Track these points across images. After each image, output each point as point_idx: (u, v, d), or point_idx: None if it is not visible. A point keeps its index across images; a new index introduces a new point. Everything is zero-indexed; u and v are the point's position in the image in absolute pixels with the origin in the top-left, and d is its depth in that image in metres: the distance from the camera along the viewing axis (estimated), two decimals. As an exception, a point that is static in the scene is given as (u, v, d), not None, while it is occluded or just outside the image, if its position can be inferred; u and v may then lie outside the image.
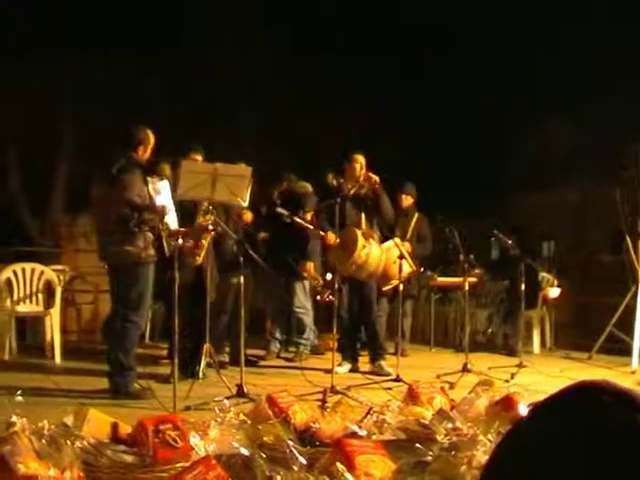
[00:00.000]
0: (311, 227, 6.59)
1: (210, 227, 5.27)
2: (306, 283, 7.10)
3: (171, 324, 4.79)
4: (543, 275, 8.43)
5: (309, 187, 7.10)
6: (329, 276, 7.35)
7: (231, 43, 10.94)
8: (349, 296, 6.34)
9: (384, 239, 6.37)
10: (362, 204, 6.21)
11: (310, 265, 6.89)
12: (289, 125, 11.11)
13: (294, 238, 6.69)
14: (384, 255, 6.08)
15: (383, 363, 6.27)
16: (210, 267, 5.59)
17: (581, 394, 0.74)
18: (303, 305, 7.13)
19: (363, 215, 6.22)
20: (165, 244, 5.05)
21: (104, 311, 7.52)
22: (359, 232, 6.00)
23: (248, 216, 6.53)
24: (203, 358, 5.16)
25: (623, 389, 0.74)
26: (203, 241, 5.39)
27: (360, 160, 6.29)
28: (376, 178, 6.15)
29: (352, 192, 6.26)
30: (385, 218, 6.35)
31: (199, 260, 5.41)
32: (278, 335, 7.22)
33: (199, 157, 5.73)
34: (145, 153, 5.15)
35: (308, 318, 7.18)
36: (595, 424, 0.71)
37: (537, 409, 0.76)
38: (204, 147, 5.93)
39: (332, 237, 6.10)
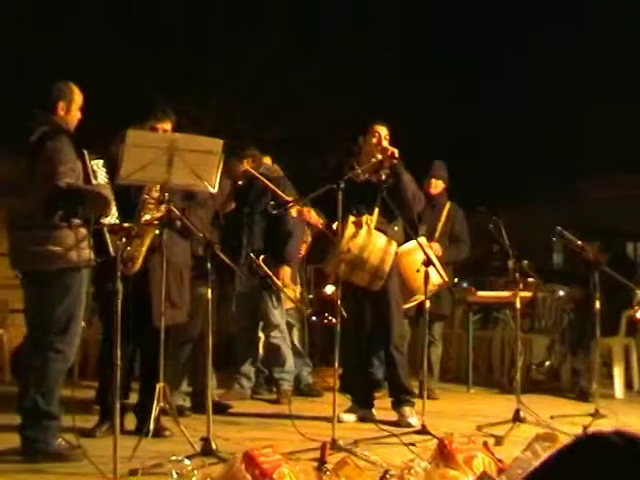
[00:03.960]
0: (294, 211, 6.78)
1: (156, 222, 5.33)
2: (282, 294, 7.19)
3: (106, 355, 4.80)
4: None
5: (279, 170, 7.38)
6: (329, 289, 7.36)
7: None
8: (358, 315, 6.37)
9: (406, 239, 6.44)
10: (379, 192, 6.26)
11: (286, 271, 6.97)
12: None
13: (264, 233, 6.90)
14: (392, 247, 6.13)
15: (407, 409, 6.32)
16: (160, 277, 5.48)
17: (592, 445, 0.88)
18: (279, 326, 7.24)
19: (377, 208, 6.26)
20: (109, 243, 5.06)
21: (16, 339, 7.55)
22: (350, 219, 6.09)
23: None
24: (155, 403, 5.12)
25: (634, 437, 0.85)
26: (140, 240, 5.42)
27: (382, 133, 6.38)
28: (393, 150, 6.23)
29: (367, 176, 6.34)
30: (409, 206, 6.34)
31: (136, 267, 5.43)
32: (247, 368, 7.33)
33: (167, 126, 5.71)
34: (69, 114, 5.16)
35: (286, 344, 7.29)
36: (607, 474, 0.82)
37: (547, 462, 0.91)
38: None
39: (307, 211, 6.30)
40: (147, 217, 5.39)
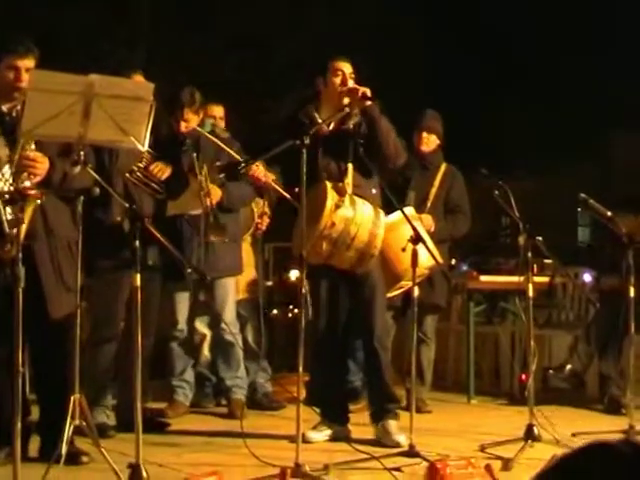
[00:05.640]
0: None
1: (33, 191, 5.11)
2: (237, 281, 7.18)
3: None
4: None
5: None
6: (294, 274, 7.23)
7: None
8: (330, 307, 6.34)
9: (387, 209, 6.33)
10: (349, 145, 6.19)
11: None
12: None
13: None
14: (381, 218, 6.08)
15: (392, 424, 6.23)
16: (48, 256, 5.48)
17: (597, 455, 1.15)
18: (233, 320, 7.13)
19: (350, 165, 6.19)
20: (3, 215, 5.05)
21: None
22: (329, 185, 6.01)
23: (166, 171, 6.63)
24: (68, 419, 5.06)
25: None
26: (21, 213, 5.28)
27: (345, 70, 6.29)
28: (365, 89, 6.11)
29: (332, 127, 6.29)
30: (388, 158, 6.27)
31: (13, 250, 5.14)
32: (189, 376, 7.28)
33: (30, 64, 5.41)
34: None
35: (239, 342, 7.20)
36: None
37: (543, 476, 1.16)
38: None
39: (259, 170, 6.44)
40: (27, 183, 5.20)
